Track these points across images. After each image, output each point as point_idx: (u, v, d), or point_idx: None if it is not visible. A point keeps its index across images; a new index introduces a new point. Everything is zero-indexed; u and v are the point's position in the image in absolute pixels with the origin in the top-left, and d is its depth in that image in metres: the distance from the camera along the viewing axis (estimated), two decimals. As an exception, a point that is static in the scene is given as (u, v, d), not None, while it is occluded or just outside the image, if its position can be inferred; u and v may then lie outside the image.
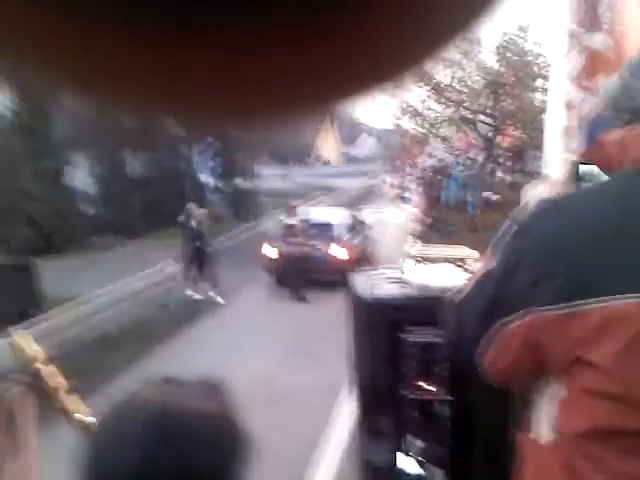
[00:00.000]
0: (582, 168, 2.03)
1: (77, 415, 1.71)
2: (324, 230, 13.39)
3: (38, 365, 1.68)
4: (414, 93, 13.97)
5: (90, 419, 1.72)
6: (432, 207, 12.57)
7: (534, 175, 12.64)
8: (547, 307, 1.14)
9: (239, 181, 26.97)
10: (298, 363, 8.53)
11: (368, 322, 2.07)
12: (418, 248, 2.23)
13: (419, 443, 1.97)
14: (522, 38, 12.96)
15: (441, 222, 12.15)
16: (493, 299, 1.27)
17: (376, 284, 2.04)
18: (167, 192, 21.91)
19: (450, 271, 2.06)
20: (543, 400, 1.26)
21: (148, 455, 0.78)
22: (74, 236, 17.42)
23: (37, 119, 18.47)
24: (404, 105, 14.25)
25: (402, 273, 2.08)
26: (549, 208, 1.29)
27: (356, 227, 14.62)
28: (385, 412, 2.07)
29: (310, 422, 6.78)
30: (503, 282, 1.26)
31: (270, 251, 13.24)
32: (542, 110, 11.80)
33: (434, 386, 2.03)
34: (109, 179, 20.92)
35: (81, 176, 20.41)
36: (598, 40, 2.16)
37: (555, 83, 2.29)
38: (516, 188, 12.54)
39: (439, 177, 13.16)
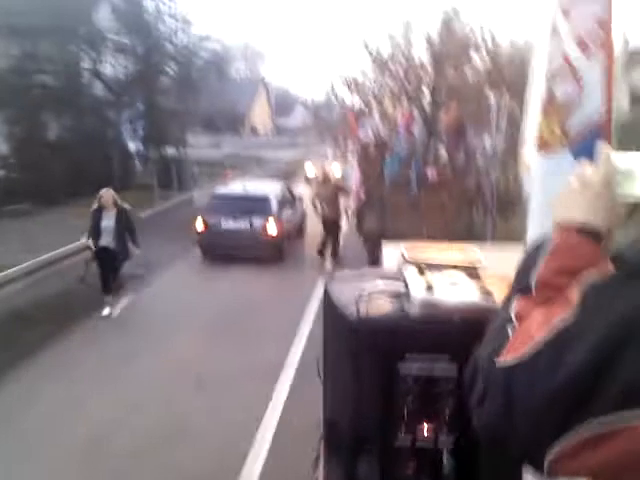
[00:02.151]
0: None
1: None
2: (258, 203, 12.85)
3: None
4: (356, 65, 13.53)
5: None
6: (373, 184, 12.22)
7: (476, 153, 12.48)
8: None
9: (169, 150, 25.88)
10: (227, 345, 8.04)
11: (352, 348, 1.58)
12: (415, 249, 1.73)
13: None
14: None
15: (381, 199, 11.81)
16: (588, 379, 0.79)
17: (364, 298, 1.54)
18: (91, 158, 20.64)
19: (461, 282, 1.58)
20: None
21: None
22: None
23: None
24: (345, 77, 13.74)
25: (402, 283, 1.59)
26: None
27: (288, 200, 14.22)
28: (370, 466, 1.60)
29: (242, 409, 6.32)
30: (608, 356, 0.78)
31: (198, 223, 12.64)
32: (484, 85, 11.58)
33: (437, 431, 1.57)
34: (27, 142, 19.43)
35: (-4, 138, 18.91)
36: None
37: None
38: (458, 166, 12.31)
39: (380, 153, 12.77)
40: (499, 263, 1.76)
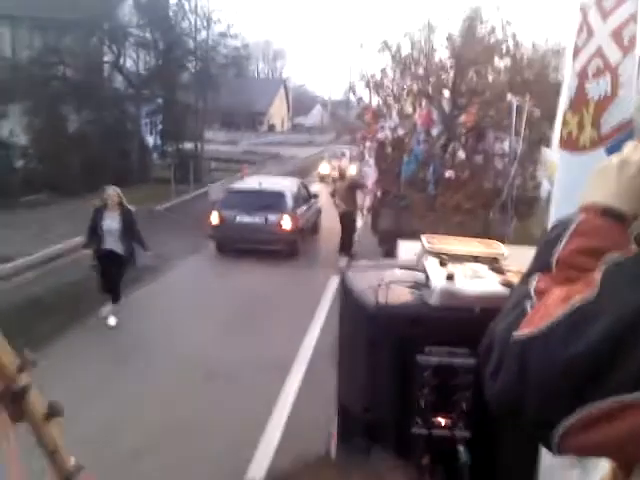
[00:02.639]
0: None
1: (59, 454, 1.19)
2: (273, 198, 12.90)
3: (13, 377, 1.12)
4: (376, 64, 13.48)
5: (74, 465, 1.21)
6: (390, 182, 12.20)
7: (496, 157, 12.40)
8: None
9: (187, 145, 26.02)
10: (240, 338, 8.06)
11: (370, 336, 1.56)
12: (436, 240, 1.71)
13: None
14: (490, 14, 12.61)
15: (398, 198, 11.79)
16: (607, 352, 0.78)
17: (383, 286, 1.52)
18: (110, 151, 20.79)
19: (483, 273, 1.56)
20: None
21: None
22: (7, 193, 16.26)
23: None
24: (365, 76, 13.70)
25: (422, 273, 1.57)
26: None
27: (304, 196, 14.26)
28: (386, 454, 1.59)
29: (254, 402, 6.32)
30: (628, 334, 0.77)
31: (213, 217, 12.71)
32: (507, 89, 11.49)
33: (453, 422, 1.55)
34: (46, 134, 19.61)
35: (18, 130, 19.08)
36: None
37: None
38: (476, 167, 12.24)
39: (398, 152, 12.74)
40: (518, 261, 1.74)
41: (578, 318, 0.82)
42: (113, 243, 8.04)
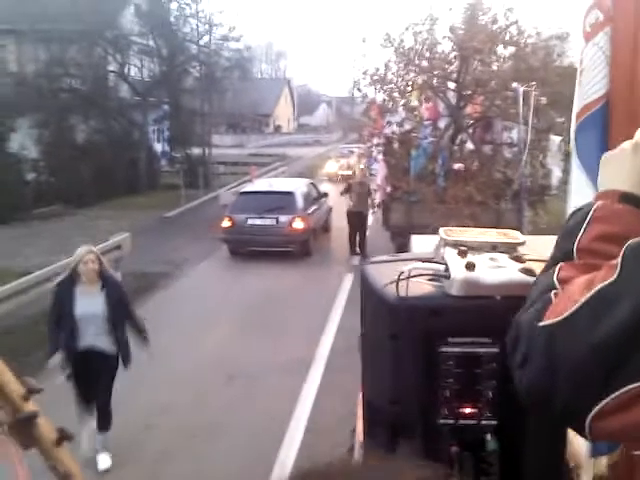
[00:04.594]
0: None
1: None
2: (284, 199, 12.94)
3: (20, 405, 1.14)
4: (380, 59, 13.43)
5: None
6: (399, 178, 12.17)
7: (504, 147, 12.35)
8: None
9: (195, 150, 26.12)
10: (257, 340, 8.08)
11: (393, 330, 1.57)
12: (453, 231, 1.72)
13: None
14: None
15: (408, 193, 11.77)
16: (632, 335, 0.78)
17: (403, 278, 1.53)
18: (119, 160, 20.92)
19: (503, 262, 1.57)
20: None
21: None
22: (20, 206, 16.41)
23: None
24: (369, 71, 13.66)
25: (442, 265, 1.58)
26: None
27: (314, 196, 14.28)
28: (413, 446, 1.59)
29: (273, 403, 6.35)
30: None
31: (224, 221, 12.78)
32: (512, 77, 11.41)
33: (479, 411, 1.56)
34: (56, 146, 19.77)
35: (27, 143, 19.23)
36: None
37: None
38: (485, 158, 12.19)
39: (405, 147, 12.70)
40: (535, 251, 1.75)
41: (601, 301, 0.82)
42: (93, 337, 5.12)
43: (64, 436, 1.22)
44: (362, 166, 14.75)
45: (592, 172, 1.77)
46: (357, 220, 12.70)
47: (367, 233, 13.06)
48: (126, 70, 23.19)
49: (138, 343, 5.32)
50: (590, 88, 1.92)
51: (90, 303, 5.11)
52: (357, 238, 12.75)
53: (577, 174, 1.95)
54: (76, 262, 5.16)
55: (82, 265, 5.09)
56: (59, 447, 1.21)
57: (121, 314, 5.24)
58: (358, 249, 12.68)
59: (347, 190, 13.04)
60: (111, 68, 22.96)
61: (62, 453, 1.22)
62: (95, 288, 5.16)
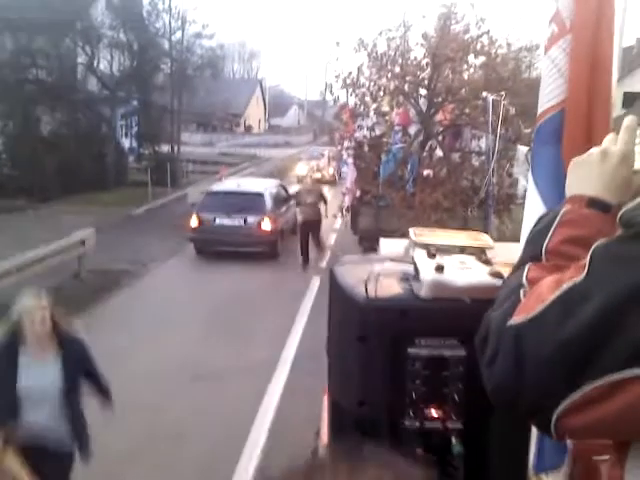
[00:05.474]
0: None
1: None
2: (252, 200, 12.86)
3: None
4: (352, 63, 13.47)
5: None
6: (368, 182, 12.22)
7: (472, 155, 12.49)
8: None
9: (163, 147, 25.82)
10: (223, 341, 8.00)
11: (361, 331, 1.56)
12: (423, 232, 1.72)
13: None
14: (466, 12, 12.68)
15: (377, 198, 11.83)
16: (598, 333, 0.79)
17: (372, 278, 1.52)
18: (85, 154, 20.54)
19: (472, 265, 1.57)
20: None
21: None
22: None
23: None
24: (341, 74, 13.68)
25: (411, 266, 1.57)
26: None
27: (283, 197, 14.23)
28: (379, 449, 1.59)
29: (237, 404, 6.30)
30: (617, 313, 0.78)
31: (192, 219, 12.65)
32: (482, 86, 11.56)
33: (445, 414, 1.56)
34: (20, 138, 19.32)
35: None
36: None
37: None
38: (454, 165, 12.31)
39: (376, 151, 12.77)
40: (503, 256, 1.75)
41: (569, 299, 0.84)
42: (44, 416, 3.56)
43: (9, 439, 1.18)
44: (331, 170, 14.72)
45: (544, 180, 1.82)
46: (310, 230, 12.41)
47: (323, 237, 12.99)
48: (95, 63, 22.79)
49: (99, 403, 3.92)
50: (543, 98, 1.99)
51: (40, 372, 3.58)
52: (315, 241, 12.60)
53: (531, 181, 2.00)
54: (20, 317, 3.54)
55: (28, 323, 3.51)
56: (5, 451, 1.17)
57: (79, 384, 3.77)
58: (320, 246, 12.60)
59: (297, 201, 12.75)
60: (80, 60, 22.54)
61: (8, 457, 1.18)
62: (49, 352, 3.63)
